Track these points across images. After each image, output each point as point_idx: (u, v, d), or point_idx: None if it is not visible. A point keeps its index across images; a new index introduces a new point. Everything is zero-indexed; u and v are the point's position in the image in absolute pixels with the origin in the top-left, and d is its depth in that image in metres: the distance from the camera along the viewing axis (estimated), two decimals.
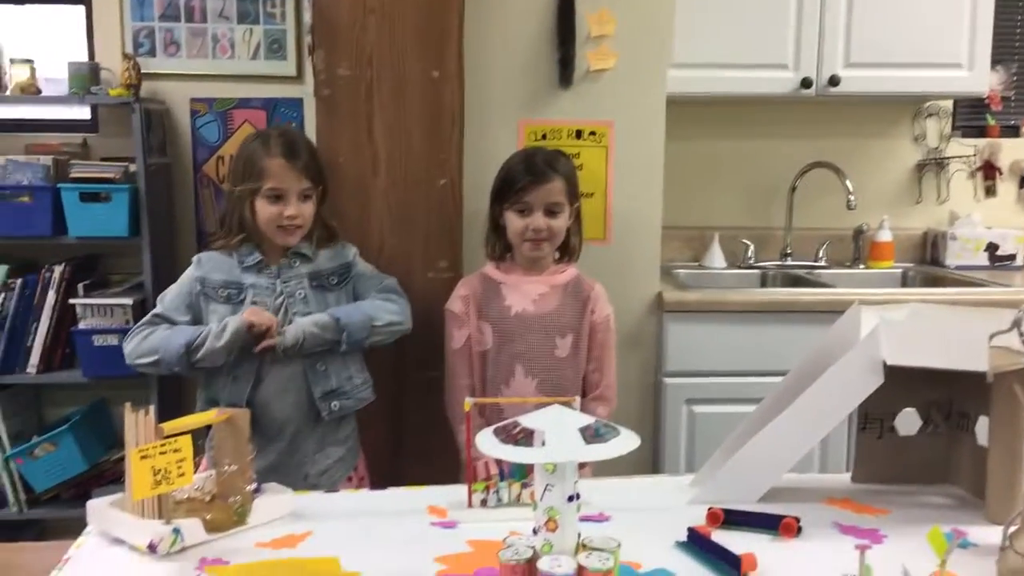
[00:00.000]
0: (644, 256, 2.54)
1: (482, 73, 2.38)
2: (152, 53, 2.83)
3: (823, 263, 3.16)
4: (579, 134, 2.47)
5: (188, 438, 1.23)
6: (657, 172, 2.52)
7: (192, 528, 1.22)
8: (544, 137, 2.46)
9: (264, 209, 1.92)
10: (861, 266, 3.17)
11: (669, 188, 2.55)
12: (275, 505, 1.33)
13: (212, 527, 1.25)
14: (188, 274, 1.98)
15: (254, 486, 1.33)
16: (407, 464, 2.20)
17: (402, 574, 1.14)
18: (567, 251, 2.09)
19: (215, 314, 1.92)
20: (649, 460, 2.60)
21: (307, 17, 2.54)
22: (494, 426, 1.12)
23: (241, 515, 1.28)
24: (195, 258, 1.99)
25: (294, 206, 1.92)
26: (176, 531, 1.20)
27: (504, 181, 2.03)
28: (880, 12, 2.80)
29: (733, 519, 1.33)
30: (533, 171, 1.98)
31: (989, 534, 1.28)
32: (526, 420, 1.09)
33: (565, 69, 2.41)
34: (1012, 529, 1.15)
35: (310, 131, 2.42)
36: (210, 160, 2.89)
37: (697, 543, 1.25)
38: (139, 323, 1.95)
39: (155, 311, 1.95)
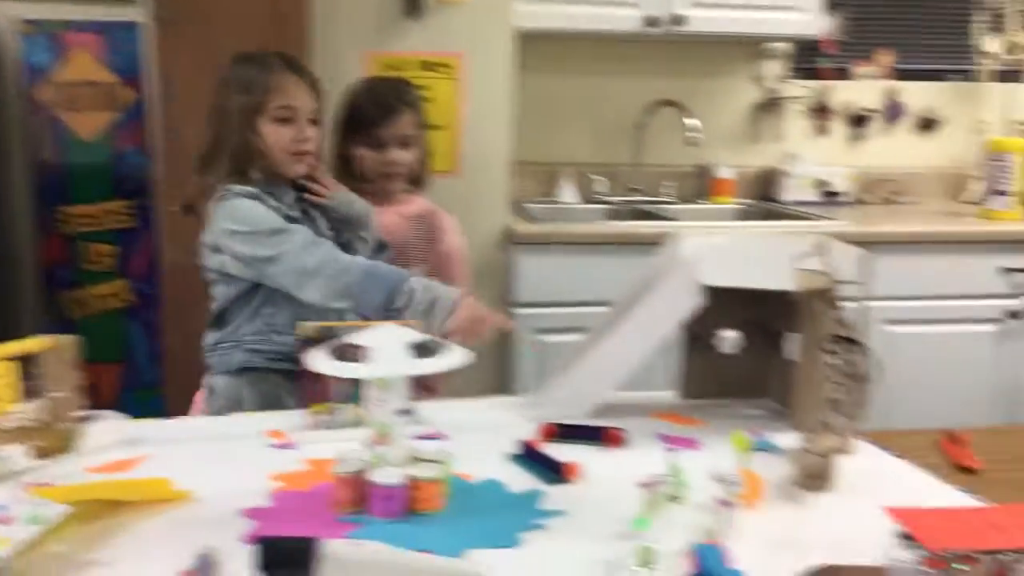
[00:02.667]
0: (494, 189, 2.58)
1: (327, 2, 2.34)
2: None
3: (668, 199, 3.28)
4: (428, 66, 2.47)
5: (11, 364, 1.20)
6: (507, 106, 2.55)
7: (18, 454, 1.20)
8: (393, 68, 2.45)
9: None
10: (704, 202, 3.31)
11: (522, 123, 2.59)
12: (107, 432, 1.32)
13: (41, 453, 1.23)
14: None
15: (83, 413, 1.31)
16: None
17: (236, 492, 1.15)
18: (415, 181, 2.10)
19: None
20: (499, 390, 2.67)
21: None
22: (324, 344, 1.14)
23: (68, 441, 1.26)
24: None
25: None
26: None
27: (353, 115, 2.00)
28: None
29: (565, 433, 1.40)
30: (383, 105, 1.96)
31: (793, 441, 1.39)
32: (356, 337, 1.11)
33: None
34: (810, 433, 1.26)
35: (151, 58, 2.32)
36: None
37: (527, 455, 1.31)
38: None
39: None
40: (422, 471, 1.11)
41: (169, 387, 2.35)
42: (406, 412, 1.12)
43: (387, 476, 1.08)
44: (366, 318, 1.52)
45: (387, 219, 2.05)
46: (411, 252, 2.04)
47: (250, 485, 1.18)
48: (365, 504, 1.10)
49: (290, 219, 1.70)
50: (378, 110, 1.97)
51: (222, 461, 1.28)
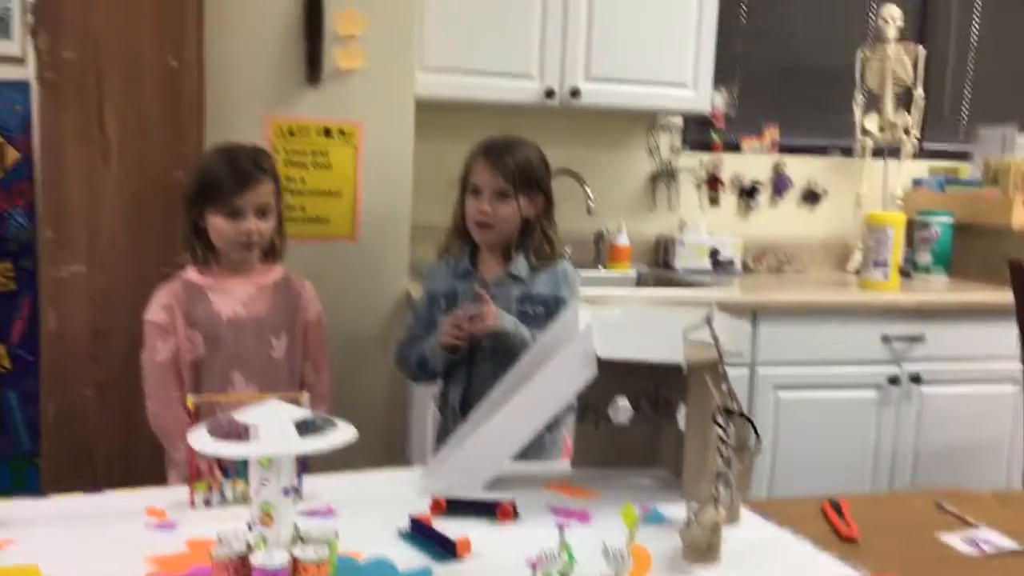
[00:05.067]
0: (394, 255, 2.58)
1: (226, 65, 2.32)
2: None
3: None
4: (328, 132, 2.47)
5: None
6: (406, 172, 2.56)
7: None
8: (292, 134, 2.44)
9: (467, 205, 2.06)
10: (601, 268, 3.37)
11: (423, 191, 2.60)
12: None
13: None
14: (423, 289, 2.19)
15: None
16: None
17: None
18: (271, 251, 2.04)
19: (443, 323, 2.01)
20: (399, 462, 2.63)
21: None
22: (207, 422, 1.10)
23: None
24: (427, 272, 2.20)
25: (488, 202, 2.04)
26: None
27: (207, 183, 1.93)
28: (617, 30, 2.98)
29: (456, 507, 1.38)
30: (241, 173, 1.91)
31: (683, 511, 1.41)
32: (240, 415, 1.09)
33: (313, 66, 2.40)
34: (697, 505, 1.28)
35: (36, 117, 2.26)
36: None
37: (417, 530, 1.29)
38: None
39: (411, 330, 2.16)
40: (306, 553, 1.08)
41: (45, 458, 2.24)
42: (290, 492, 1.09)
43: (269, 559, 1.05)
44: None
45: (245, 291, 1.98)
46: (272, 323, 1.99)
47: (123, 571, 1.12)
48: None
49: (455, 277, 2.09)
50: (235, 178, 1.90)
51: (96, 544, 1.22)
